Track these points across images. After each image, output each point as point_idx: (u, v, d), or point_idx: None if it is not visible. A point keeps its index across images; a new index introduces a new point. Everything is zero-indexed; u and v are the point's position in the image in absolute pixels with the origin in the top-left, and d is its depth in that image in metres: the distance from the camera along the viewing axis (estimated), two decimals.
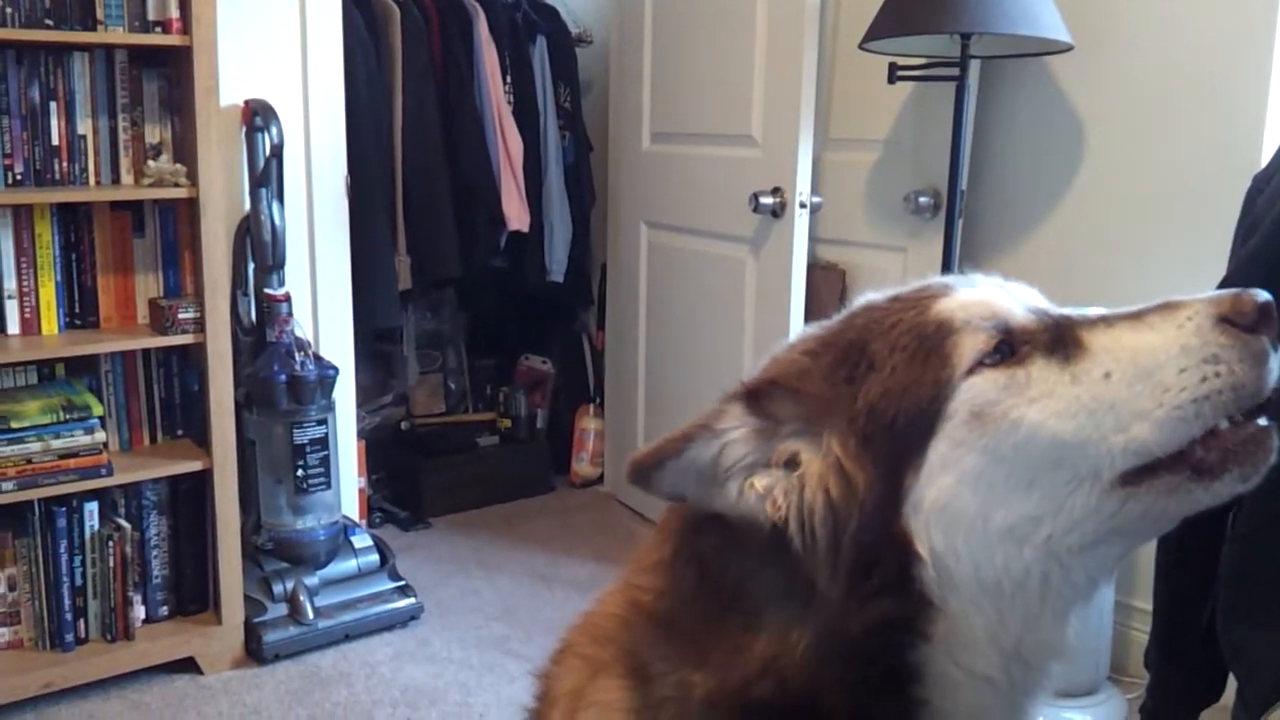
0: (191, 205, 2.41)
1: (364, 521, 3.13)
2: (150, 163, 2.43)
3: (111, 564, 2.42)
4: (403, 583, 2.78)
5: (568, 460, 3.82)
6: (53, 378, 2.44)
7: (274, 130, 2.58)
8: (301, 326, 2.68)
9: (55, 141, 2.36)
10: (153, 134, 2.46)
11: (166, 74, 2.46)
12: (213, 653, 2.51)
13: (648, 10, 3.27)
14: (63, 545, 2.36)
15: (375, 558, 2.78)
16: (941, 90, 2.50)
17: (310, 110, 2.79)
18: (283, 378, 2.57)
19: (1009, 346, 0.69)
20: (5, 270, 2.35)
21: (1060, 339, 0.70)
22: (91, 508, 2.39)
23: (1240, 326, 0.66)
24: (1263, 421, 0.68)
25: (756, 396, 0.72)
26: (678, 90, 3.18)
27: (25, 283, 2.37)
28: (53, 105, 2.35)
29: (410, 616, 2.75)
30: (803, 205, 2.70)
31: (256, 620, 2.55)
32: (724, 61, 2.93)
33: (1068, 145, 2.52)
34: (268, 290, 2.62)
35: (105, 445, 2.34)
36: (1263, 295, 0.67)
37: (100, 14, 2.29)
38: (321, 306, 2.89)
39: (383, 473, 3.57)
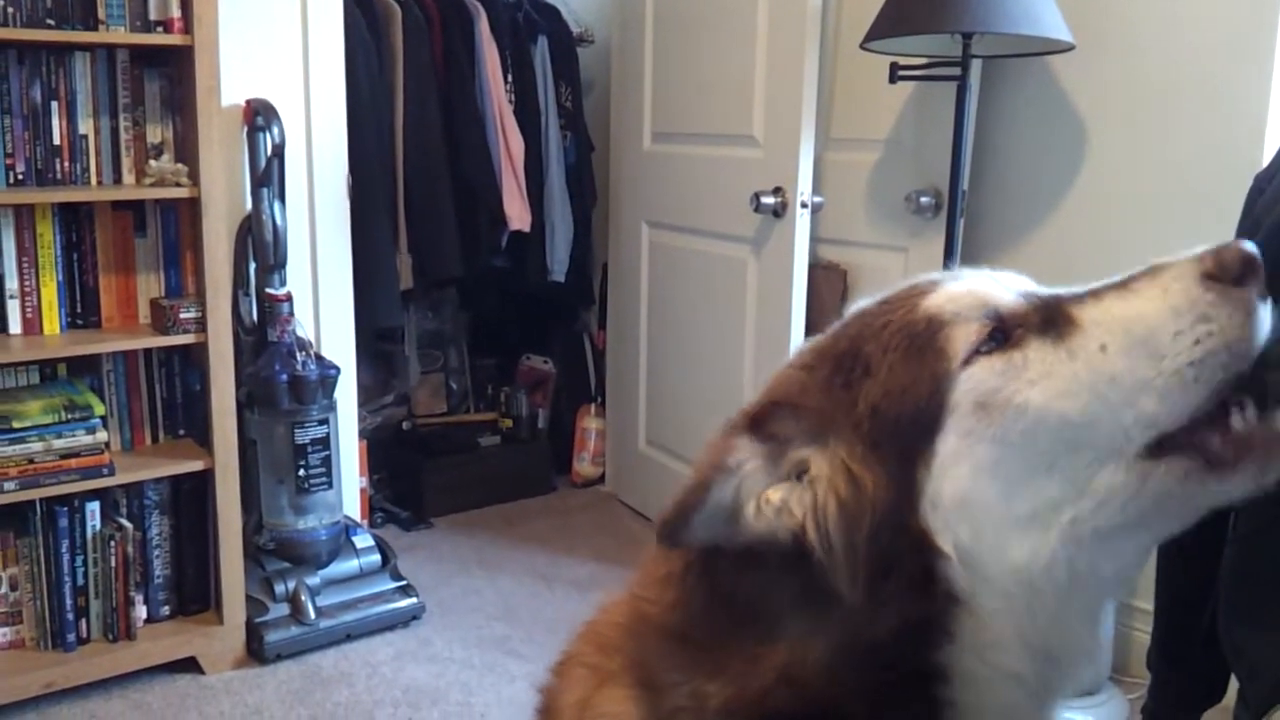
0: (193, 205, 2.41)
1: (365, 521, 3.13)
2: (152, 162, 2.43)
3: (113, 564, 2.42)
4: (404, 582, 2.78)
5: (569, 460, 3.83)
6: (54, 378, 2.44)
7: (275, 130, 2.59)
8: (303, 326, 2.69)
9: (57, 141, 2.36)
10: (154, 134, 2.46)
11: (168, 74, 2.46)
12: (214, 652, 2.51)
13: (649, 10, 3.27)
14: (64, 545, 2.37)
15: (377, 558, 2.78)
16: (943, 90, 2.50)
17: (312, 110, 2.79)
18: (284, 377, 2.57)
19: (1002, 333, 0.69)
20: (7, 270, 2.35)
21: (1051, 318, 0.69)
22: (93, 507, 2.40)
23: (1226, 281, 0.66)
24: None
25: (759, 421, 0.72)
26: (679, 90, 3.18)
27: (27, 282, 2.37)
28: (54, 105, 2.35)
29: (412, 616, 2.75)
30: (804, 205, 2.69)
31: (258, 620, 2.55)
32: (725, 61, 2.93)
33: (1069, 145, 2.52)
34: (269, 290, 2.63)
35: (107, 445, 2.34)
36: (1247, 245, 0.67)
37: (102, 14, 2.29)
38: (323, 306, 2.89)
39: (384, 472, 3.57)
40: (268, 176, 2.59)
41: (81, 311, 2.45)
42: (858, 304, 0.77)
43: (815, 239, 2.89)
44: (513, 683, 2.50)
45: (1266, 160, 1.83)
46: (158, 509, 2.52)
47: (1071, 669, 0.70)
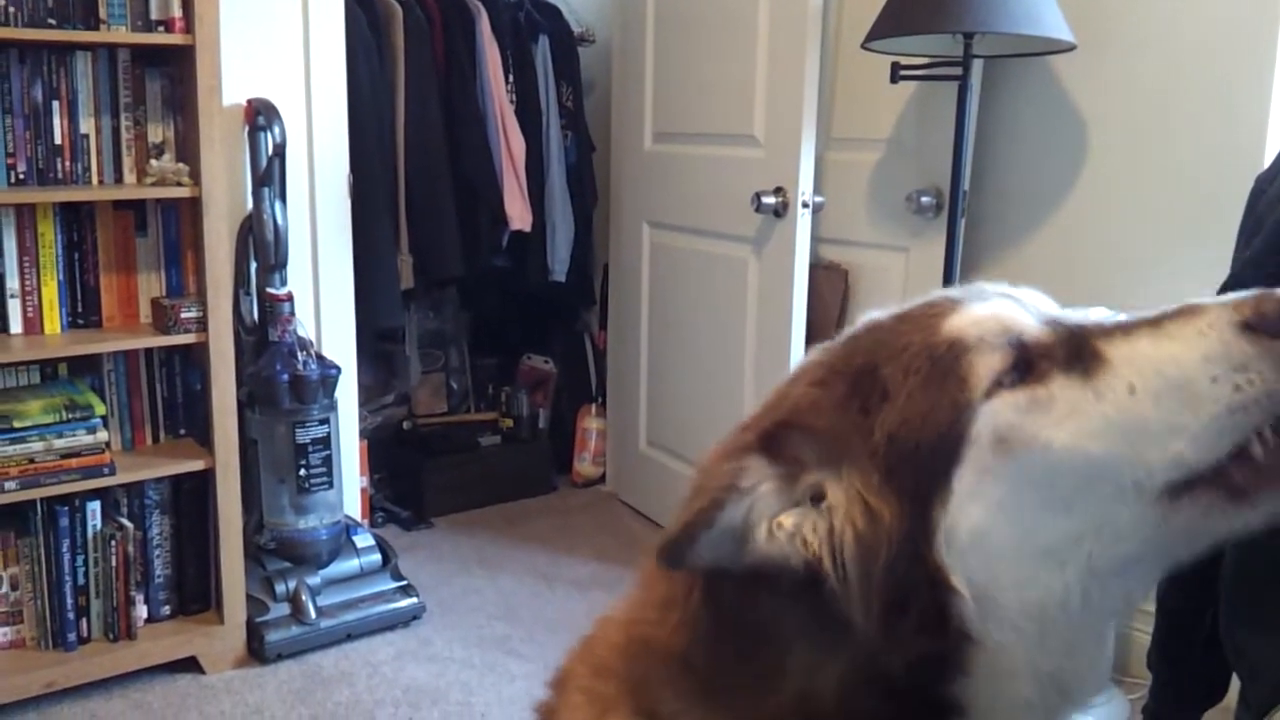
0: (194, 204, 2.41)
1: (366, 521, 3.13)
2: (153, 162, 2.43)
3: (114, 563, 2.42)
4: (405, 582, 2.78)
5: (570, 460, 3.82)
6: (55, 377, 2.44)
7: (276, 129, 2.59)
8: (304, 326, 2.68)
9: (58, 141, 2.36)
10: (155, 133, 2.46)
11: (169, 73, 2.46)
12: (215, 652, 2.51)
13: (650, 10, 3.27)
14: (65, 545, 2.37)
15: (377, 557, 2.78)
16: (944, 90, 2.49)
17: (313, 109, 2.79)
18: (285, 377, 2.57)
19: (1025, 363, 0.67)
20: (8, 269, 2.35)
21: (1078, 352, 0.67)
22: (94, 507, 2.40)
23: (1263, 331, 0.63)
24: None
25: (772, 442, 0.69)
26: (680, 90, 3.18)
27: (28, 282, 2.37)
28: (55, 104, 2.35)
29: (412, 616, 2.75)
30: (805, 205, 2.69)
31: (259, 620, 2.55)
32: (726, 61, 2.93)
33: (1070, 145, 2.52)
34: (270, 289, 2.63)
35: (108, 445, 2.34)
36: None
37: (103, 13, 2.29)
38: (324, 306, 2.89)
39: (385, 472, 3.57)
40: (269, 176, 2.59)
41: (82, 311, 2.45)
42: (870, 314, 0.74)
43: (816, 239, 2.89)
44: (513, 682, 2.50)
45: (1268, 161, 1.83)
46: (158, 508, 2.52)
47: (1082, 691, 0.70)
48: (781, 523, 0.67)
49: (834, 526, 0.66)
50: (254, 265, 2.67)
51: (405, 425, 3.70)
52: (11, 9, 2.20)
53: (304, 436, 2.60)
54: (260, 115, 2.59)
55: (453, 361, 3.93)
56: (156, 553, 2.53)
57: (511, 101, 3.44)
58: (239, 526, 2.52)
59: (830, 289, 2.96)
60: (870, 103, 2.82)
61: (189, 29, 2.31)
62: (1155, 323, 0.67)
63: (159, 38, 2.34)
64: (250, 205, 2.65)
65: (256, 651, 2.54)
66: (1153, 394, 0.64)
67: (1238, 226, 1.41)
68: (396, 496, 3.54)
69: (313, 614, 2.58)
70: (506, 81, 3.43)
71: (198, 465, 2.46)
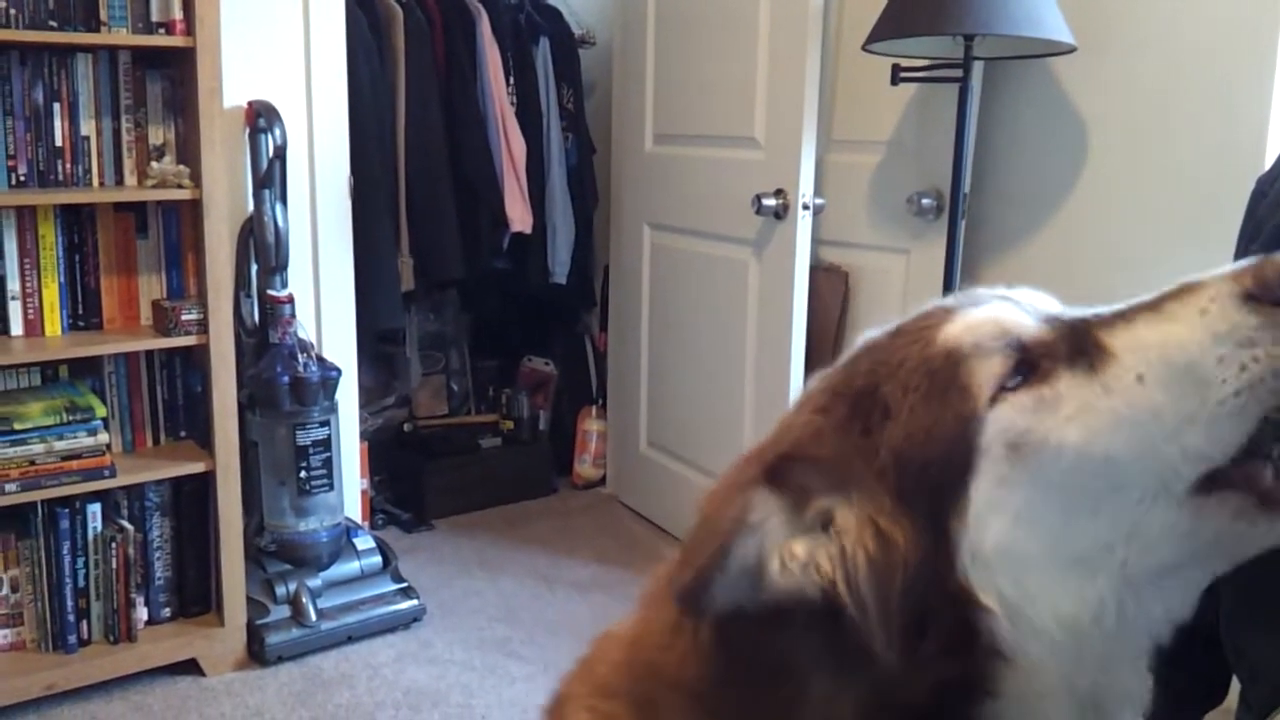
0: (195, 207, 2.41)
1: (366, 523, 3.13)
2: (153, 164, 2.43)
3: (114, 565, 2.42)
4: (405, 584, 2.78)
5: (570, 462, 3.82)
6: (56, 379, 2.44)
7: (277, 132, 2.59)
8: (304, 328, 2.69)
9: (59, 143, 2.36)
10: (156, 135, 2.46)
11: (170, 75, 2.46)
12: (215, 654, 2.51)
13: (650, 12, 3.27)
14: (65, 547, 2.37)
15: (378, 559, 2.78)
16: (944, 92, 2.50)
17: (313, 111, 2.79)
18: (285, 379, 2.57)
19: (1028, 364, 0.64)
20: (9, 272, 2.35)
21: (1080, 346, 0.64)
22: (94, 509, 2.40)
23: (1267, 301, 0.61)
24: None
25: (776, 474, 0.66)
26: (681, 92, 3.18)
27: (29, 284, 2.37)
28: (56, 106, 2.35)
29: (413, 618, 2.75)
30: (805, 207, 2.69)
31: (259, 622, 2.55)
32: (727, 63, 2.93)
33: (1071, 147, 2.52)
34: (271, 292, 2.63)
35: (108, 447, 2.34)
36: None
37: (104, 15, 2.29)
38: (324, 308, 2.89)
39: (385, 474, 3.57)
40: (269, 178, 2.60)
41: (83, 313, 2.45)
42: (867, 333, 0.72)
43: (816, 241, 2.88)
44: (513, 684, 2.50)
45: (1268, 162, 1.82)
46: (159, 510, 2.52)
47: (1119, 712, 0.67)
48: (794, 552, 0.64)
49: (846, 550, 0.64)
50: (255, 267, 2.68)
51: (406, 427, 3.70)
52: (12, 11, 2.21)
53: (304, 438, 2.60)
54: (261, 117, 2.59)
55: (453, 363, 3.93)
56: (157, 555, 2.53)
57: (512, 103, 3.44)
58: (239, 529, 2.52)
59: (831, 291, 2.96)
60: (871, 105, 2.82)
61: (190, 31, 2.31)
62: (1154, 305, 0.65)
63: (160, 40, 2.34)
64: (251, 207, 2.65)
65: (257, 654, 2.54)
66: (1161, 381, 0.61)
67: (1238, 228, 1.41)
68: (397, 498, 3.54)
69: (313, 616, 2.58)
70: (507, 83, 3.43)
71: (198, 467, 2.46)
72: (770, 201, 2.72)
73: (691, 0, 3.09)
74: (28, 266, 2.37)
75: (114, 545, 2.42)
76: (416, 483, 3.51)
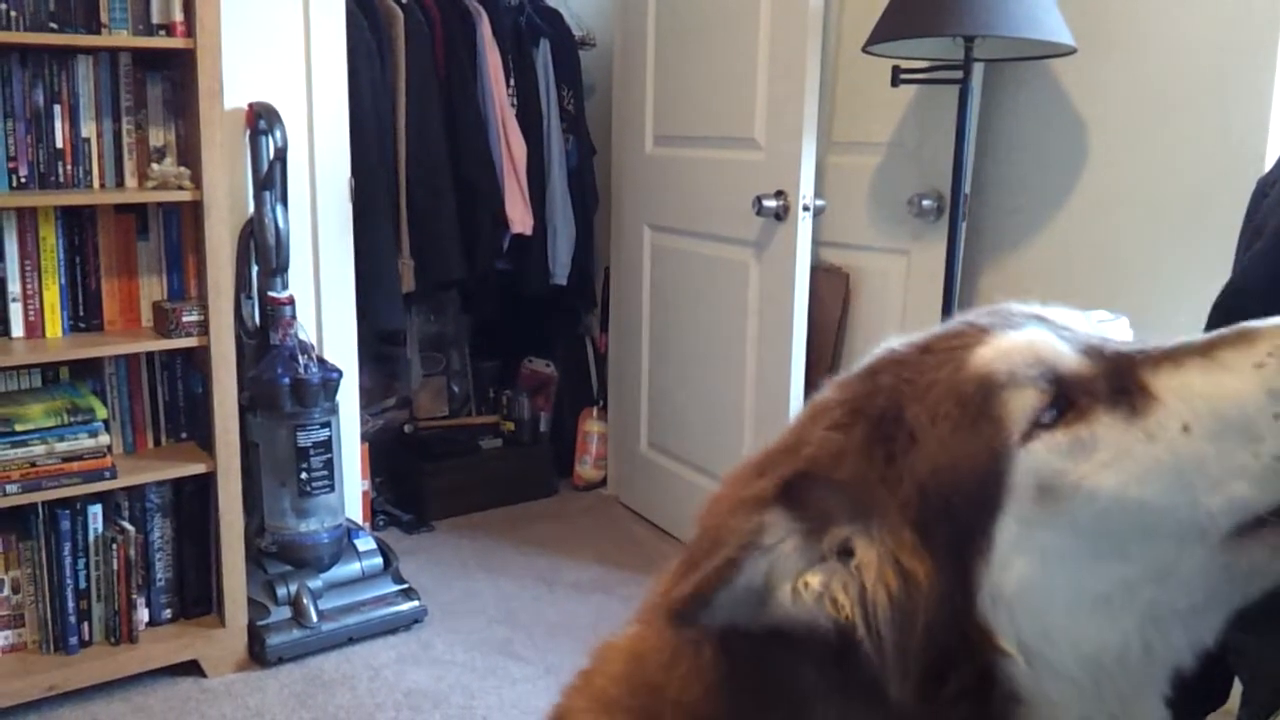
0: (195, 208, 2.41)
1: (367, 524, 3.13)
2: (154, 166, 2.43)
3: (115, 567, 2.42)
4: (406, 586, 2.78)
5: (571, 463, 3.82)
6: (57, 381, 2.44)
7: (278, 133, 2.59)
8: (305, 329, 2.69)
9: (59, 144, 2.36)
10: (157, 137, 2.46)
11: (170, 77, 2.47)
12: (216, 655, 2.51)
13: (651, 13, 3.27)
14: (66, 548, 2.37)
15: (378, 561, 2.78)
16: (945, 93, 2.50)
17: (314, 113, 2.79)
18: (286, 380, 2.57)
19: (1064, 399, 0.61)
20: (9, 273, 2.35)
21: (1122, 386, 0.61)
22: (95, 511, 2.40)
23: None
24: None
25: (793, 493, 0.63)
26: (681, 93, 3.18)
27: (29, 286, 2.37)
28: (57, 108, 2.35)
29: (413, 619, 2.75)
30: (806, 208, 2.69)
31: (260, 623, 2.55)
32: (727, 64, 2.93)
33: (1071, 148, 2.52)
34: (271, 293, 2.63)
35: (109, 448, 2.34)
36: None
37: (104, 17, 2.29)
38: (325, 309, 2.89)
39: (386, 476, 3.57)
40: (270, 180, 2.60)
41: (84, 314, 2.45)
42: (888, 343, 0.69)
43: (817, 242, 2.89)
44: (514, 686, 2.50)
45: (1269, 164, 1.82)
46: (160, 512, 2.52)
47: None
48: (808, 582, 0.62)
49: (866, 587, 0.61)
50: (255, 269, 2.68)
51: (406, 428, 3.70)
52: (13, 13, 2.21)
53: (305, 440, 2.60)
54: (261, 119, 2.59)
55: (454, 365, 3.93)
56: (158, 556, 2.53)
57: (512, 105, 3.44)
58: (240, 530, 2.52)
59: (831, 292, 2.97)
60: (871, 106, 2.82)
61: (190, 33, 2.31)
62: (1206, 350, 0.61)
63: (160, 41, 2.34)
64: (252, 209, 2.65)
65: (258, 655, 2.54)
66: (1210, 434, 0.58)
67: (1238, 229, 1.41)
68: (398, 500, 3.54)
69: (314, 617, 2.58)
70: (507, 85, 3.43)
71: (199, 469, 2.46)
72: (771, 203, 2.73)
73: (692, 2, 3.09)
74: (28, 268, 2.37)
75: (115, 546, 2.42)
76: (417, 484, 3.51)
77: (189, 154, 2.44)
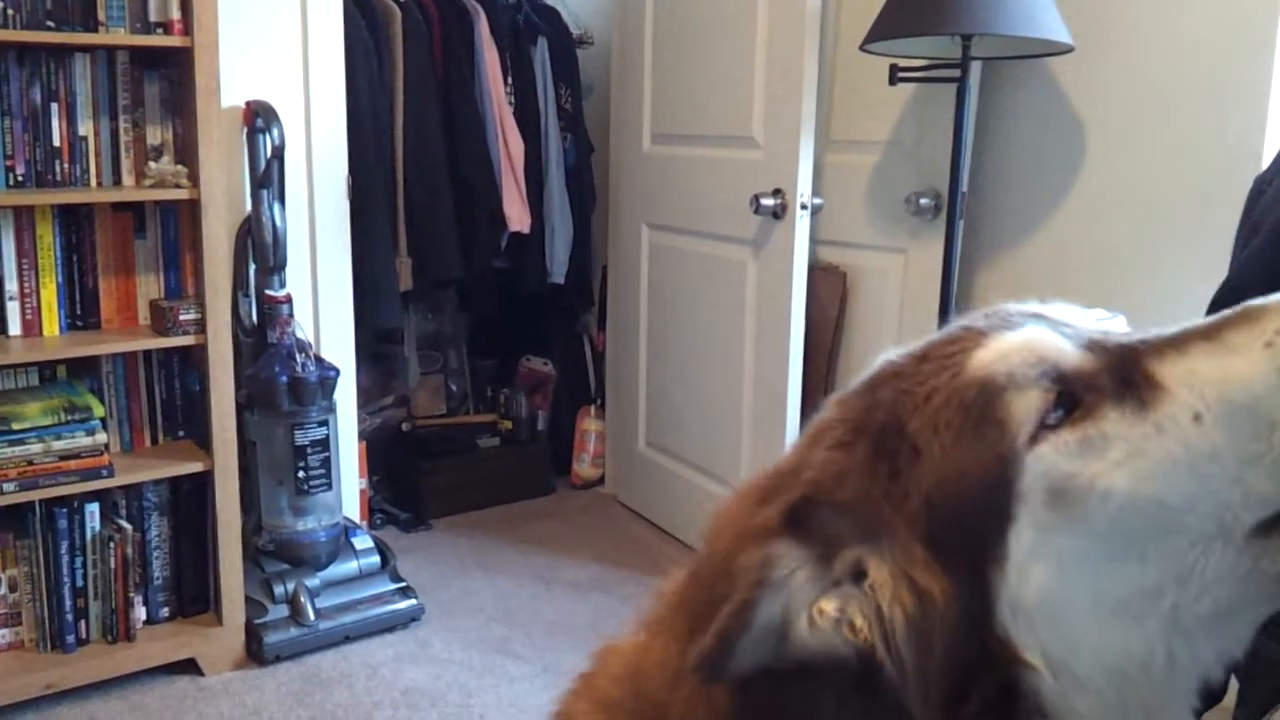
0: (193, 206, 2.41)
1: (365, 523, 3.13)
2: (151, 164, 2.43)
3: (112, 565, 2.42)
4: (403, 584, 2.78)
5: (568, 462, 3.83)
6: (54, 379, 2.44)
7: (275, 131, 2.59)
8: (302, 328, 2.69)
9: (56, 143, 2.36)
10: (154, 135, 2.46)
11: (168, 75, 2.46)
12: (213, 654, 2.51)
13: (649, 12, 3.27)
14: (64, 546, 2.36)
15: (376, 559, 2.78)
16: (942, 91, 2.50)
17: (311, 111, 2.79)
18: (284, 379, 2.57)
19: (1069, 397, 0.59)
20: (6, 272, 2.35)
21: (1127, 378, 0.59)
22: (92, 509, 2.40)
23: None
24: None
25: (799, 521, 0.61)
26: (679, 92, 3.18)
27: (26, 284, 2.37)
28: (54, 106, 2.35)
29: (411, 618, 2.75)
30: (804, 207, 2.69)
31: (257, 621, 2.55)
32: (725, 63, 2.93)
33: (1069, 146, 2.52)
34: (269, 291, 2.63)
35: (106, 446, 2.34)
36: None
37: (101, 15, 2.29)
38: (323, 308, 2.89)
39: (383, 474, 3.57)
40: (267, 178, 2.59)
41: (81, 313, 2.45)
42: (886, 357, 0.67)
43: (815, 241, 2.89)
44: (512, 684, 2.50)
45: (1266, 163, 1.82)
46: (157, 510, 2.52)
47: None
48: (823, 609, 0.60)
49: (882, 609, 0.59)
50: (253, 267, 2.67)
51: (404, 427, 3.70)
52: (10, 11, 2.20)
53: (302, 438, 2.60)
54: (259, 117, 2.59)
55: (451, 363, 3.93)
56: (155, 554, 2.52)
57: (510, 103, 3.44)
58: (237, 528, 2.52)
59: (829, 291, 2.97)
60: (869, 105, 2.83)
61: (187, 31, 2.31)
62: (1211, 333, 0.59)
63: (157, 40, 2.34)
64: (249, 207, 2.65)
65: (255, 653, 2.54)
66: (1221, 421, 0.56)
67: (1236, 227, 1.41)
68: (395, 498, 3.54)
69: (311, 616, 2.58)
70: (505, 83, 3.43)
71: (196, 467, 2.46)
72: (768, 201, 2.73)
73: (689, 0, 3.09)
74: (26, 267, 2.36)
75: (112, 545, 2.42)
76: (415, 482, 3.51)
77: (186, 152, 2.44)
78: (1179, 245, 2.30)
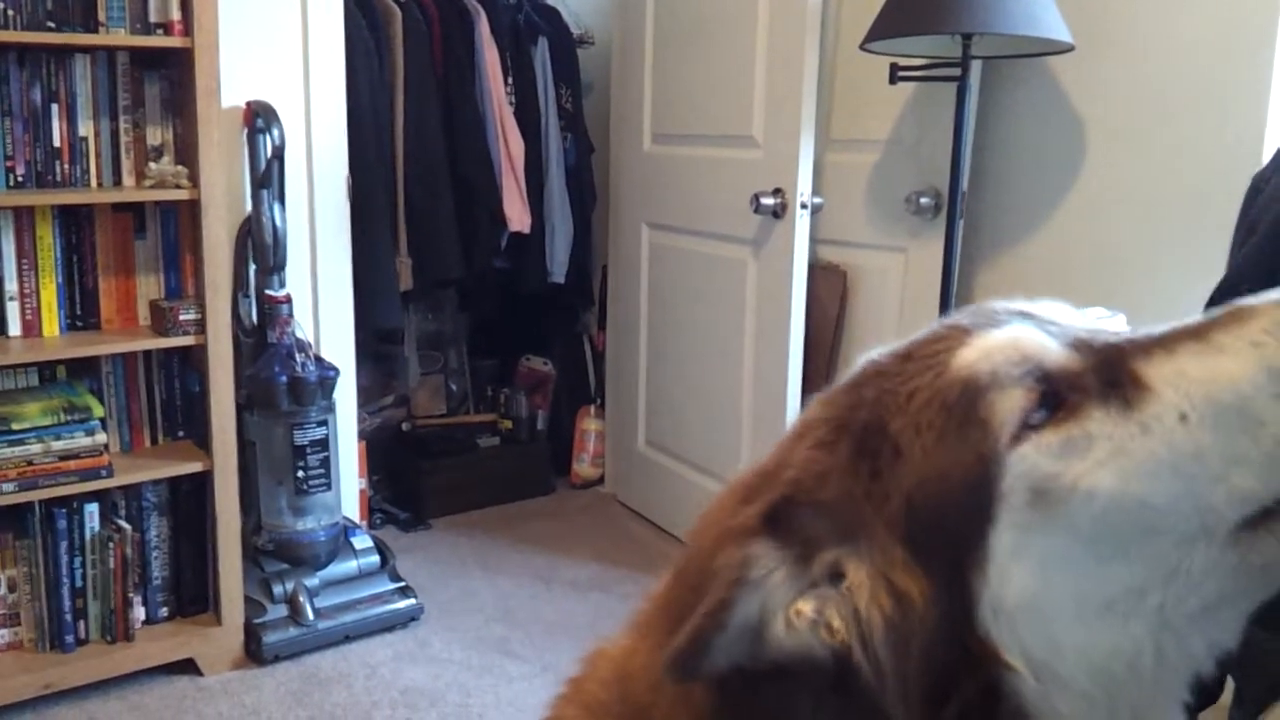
0: (193, 207, 2.41)
1: (364, 522, 3.13)
2: (151, 164, 2.43)
3: (112, 565, 2.42)
4: (403, 584, 2.78)
5: (568, 461, 3.83)
6: (54, 379, 2.44)
7: (275, 132, 2.59)
8: (302, 328, 2.69)
9: (57, 143, 2.36)
10: (154, 136, 2.46)
11: (168, 76, 2.46)
12: (212, 654, 2.51)
13: (649, 11, 3.27)
14: (63, 546, 2.37)
15: (375, 559, 2.78)
16: (943, 91, 2.50)
17: (312, 112, 2.79)
18: (283, 379, 2.57)
19: (1053, 396, 0.58)
20: (7, 272, 2.35)
21: (1113, 378, 0.58)
22: (92, 509, 2.40)
23: None
24: None
25: (778, 521, 0.61)
26: (679, 91, 3.18)
27: (26, 284, 2.37)
28: (54, 107, 2.35)
29: (410, 617, 2.75)
30: (804, 206, 2.69)
31: (256, 621, 2.55)
32: (725, 62, 2.93)
33: (1069, 145, 2.52)
34: (269, 291, 2.63)
35: (106, 447, 2.34)
36: None
37: (102, 16, 2.29)
38: (323, 308, 2.89)
39: (383, 474, 3.57)
40: (268, 178, 2.60)
41: (81, 313, 2.45)
42: (870, 354, 0.66)
43: (815, 240, 2.89)
44: (511, 684, 2.50)
45: (1266, 161, 1.82)
46: (156, 510, 2.52)
47: None
48: (800, 610, 0.59)
49: (859, 611, 0.59)
50: (253, 267, 2.68)
51: (404, 427, 3.70)
52: (10, 11, 2.21)
53: (302, 438, 2.60)
54: (259, 117, 2.59)
55: (451, 363, 3.93)
56: (154, 554, 2.53)
57: (510, 103, 3.44)
58: (237, 528, 2.52)
59: (829, 290, 2.97)
60: (869, 104, 2.82)
61: (188, 32, 2.31)
62: (1199, 333, 0.58)
63: (158, 40, 2.34)
64: (249, 207, 2.65)
65: (254, 653, 2.54)
66: (1207, 422, 0.56)
67: (1234, 226, 1.41)
68: (395, 498, 3.54)
69: (310, 615, 2.58)
70: (505, 83, 3.43)
71: (196, 467, 2.46)
72: (768, 200, 2.73)
73: (690, 0, 3.09)
74: (26, 267, 2.37)
75: (111, 545, 2.42)
76: (414, 482, 3.51)
77: (186, 153, 2.44)
78: (1178, 245, 2.30)
